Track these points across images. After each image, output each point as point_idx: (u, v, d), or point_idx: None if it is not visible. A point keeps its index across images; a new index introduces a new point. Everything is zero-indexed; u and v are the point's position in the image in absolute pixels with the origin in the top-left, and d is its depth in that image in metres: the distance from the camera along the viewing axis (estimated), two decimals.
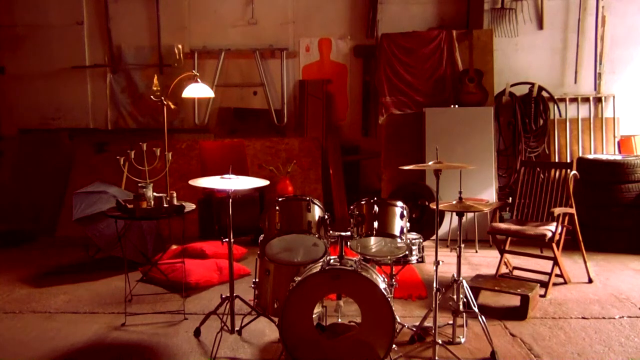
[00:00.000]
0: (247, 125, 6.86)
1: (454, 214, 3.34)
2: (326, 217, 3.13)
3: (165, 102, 4.18)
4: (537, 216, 4.67)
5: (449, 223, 5.60)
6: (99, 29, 6.85)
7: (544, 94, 6.40)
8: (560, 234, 4.35)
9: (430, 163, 3.26)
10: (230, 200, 3.28)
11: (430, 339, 3.26)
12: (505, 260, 4.63)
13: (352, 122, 6.95)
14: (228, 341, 3.39)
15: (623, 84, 6.52)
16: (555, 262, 4.33)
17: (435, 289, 3.14)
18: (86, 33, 6.86)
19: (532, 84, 6.39)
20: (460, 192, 3.32)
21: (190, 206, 3.93)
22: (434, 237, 3.26)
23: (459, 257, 3.34)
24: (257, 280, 3.36)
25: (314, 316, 3.01)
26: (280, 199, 3.15)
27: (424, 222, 5.39)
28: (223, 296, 3.43)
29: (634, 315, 3.84)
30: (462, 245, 3.35)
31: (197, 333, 3.52)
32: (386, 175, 6.33)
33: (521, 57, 6.54)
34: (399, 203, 3.17)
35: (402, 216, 3.13)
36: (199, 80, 4.31)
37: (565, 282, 4.50)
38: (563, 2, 6.49)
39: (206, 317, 3.56)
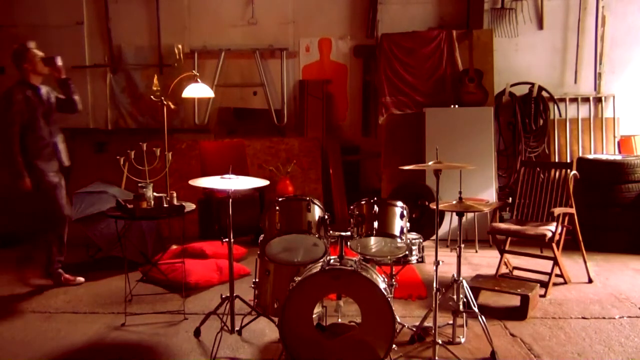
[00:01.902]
0: (247, 125, 6.86)
1: (454, 214, 3.34)
2: (326, 217, 3.13)
3: (165, 102, 4.18)
4: (537, 216, 4.67)
5: (449, 223, 5.60)
6: (99, 29, 6.85)
7: (544, 94, 6.40)
8: (560, 234, 4.35)
9: (430, 163, 3.26)
10: (230, 200, 3.28)
11: (430, 339, 3.26)
12: (505, 260, 4.64)
13: (352, 122, 6.94)
14: (228, 341, 3.39)
15: (623, 84, 6.52)
16: (555, 262, 4.33)
17: (435, 289, 3.14)
18: (86, 33, 6.85)
19: (532, 84, 6.39)
20: (460, 192, 3.32)
21: (190, 206, 3.93)
22: (434, 237, 3.26)
23: (459, 257, 3.34)
24: (257, 280, 3.36)
25: (314, 316, 3.01)
26: (280, 199, 3.15)
27: (424, 222, 5.40)
28: (223, 296, 3.43)
29: (634, 315, 3.84)
30: (462, 245, 3.35)
31: (197, 333, 3.52)
32: (386, 175, 6.33)
33: (521, 57, 6.54)
34: (399, 203, 3.17)
35: (402, 216, 3.13)
36: (199, 80, 4.31)
37: (565, 282, 4.50)
38: (563, 2, 6.48)
39: (206, 317, 3.56)
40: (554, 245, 4.26)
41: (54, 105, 4.50)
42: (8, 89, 4.33)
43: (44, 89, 4.50)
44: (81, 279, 4.56)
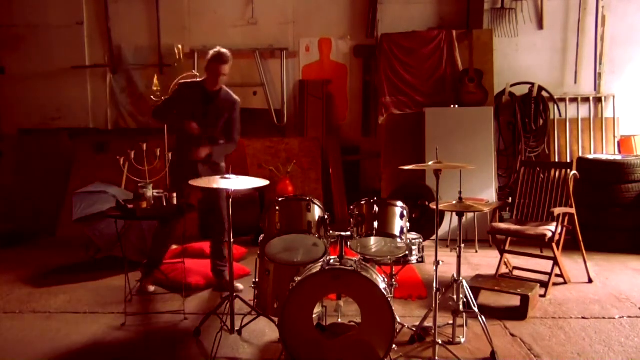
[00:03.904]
0: (247, 125, 6.83)
1: (454, 214, 3.34)
2: (326, 217, 3.13)
3: None
4: (537, 216, 4.67)
5: (449, 223, 5.60)
6: (99, 29, 6.84)
7: (544, 94, 6.40)
8: (560, 234, 4.35)
9: (430, 163, 3.26)
10: (230, 200, 3.28)
11: (430, 339, 3.26)
12: (505, 260, 4.63)
13: (352, 122, 6.94)
14: (228, 341, 3.39)
15: (623, 84, 6.52)
16: (555, 262, 4.33)
17: (435, 289, 3.14)
18: (86, 33, 6.85)
19: (532, 84, 6.39)
20: (460, 192, 3.32)
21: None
22: (434, 237, 3.26)
23: (459, 257, 3.34)
24: (257, 280, 3.36)
25: (314, 316, 3.01)
26: (280, 199, 3.15)
27: (424, 222, 5.39)
28: (223, 296, 3.43)
29: (634, 315, 3.84)
30: (462, 245, 3.35)
31: (197, 333, 3.52)
32: (386, 175, 6.33)
33: (521, 57, 6.53)
34: (399, 203, 3.17)
35: (402, 216, 3.13)
36: None
37: (565, 282, 4.50)
38: (563, 2, 6.48)
39: (206, 317, 3.56)
40: (554, 245, 4.26)
41: (222, 120, 4.26)
42: (183, 82, 4.26)
43: (225, 101, 4.26)
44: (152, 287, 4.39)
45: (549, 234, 4.24)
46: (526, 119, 6.34)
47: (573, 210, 4.48)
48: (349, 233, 3.14)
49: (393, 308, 2.85)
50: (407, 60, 6.37)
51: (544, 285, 4.28)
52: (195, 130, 4.10)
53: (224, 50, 4.16)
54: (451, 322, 3.41)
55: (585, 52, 6.50)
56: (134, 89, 6.89)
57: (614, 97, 6.50)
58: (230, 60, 4.16)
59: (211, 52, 4.18)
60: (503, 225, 4.57)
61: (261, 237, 3.18)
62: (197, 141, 4.13)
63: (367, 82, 6.86)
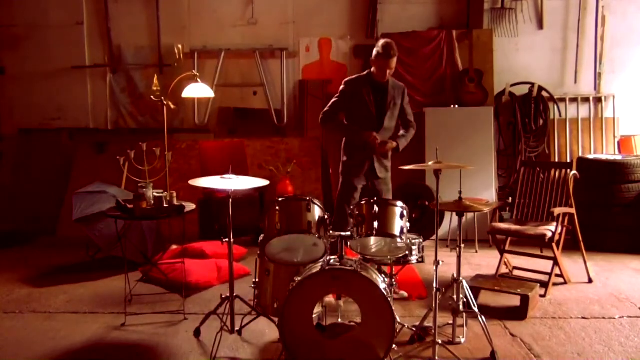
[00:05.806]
0: (247, 125, 6.86)
1: (454, 214, 3.34)
2: (326, 217, 3.13)
3: (165, 102, 4.18)
4: (537, 216, 4.67)
5: (449, 223, 5.60)
6: (99, 29, 6.85)
7: (544, 94, 6.40)
8: (560, 234, 4.35)
9: (430, 163, 3.26)
10: (230, 200, 3.28)
11: (430, 339, 3.26)
12: (505, 260, 4.63)
13: None
14: (228, 341, 3.39)
15: (623, 84, 6.52)
16: (555, 262, 4.33)
17: (435, 289, 3.14)
18: (86, 33, 6.85)
19: (532, 84, 6.39)
20: (460, 192, 3.32)
21: (190, 206, 3.93)
22: (434, 237, 3.26)
23: (459, 257, 3.34)
24: (257, 280, 3.36)
25: (314, 316, 3.01)
26: (280, 199, 3.15)
27: (424, 222, 5.39)
28: (223, 296, 3.43)
29: (634, 315, 3.84)
30: (462, 245, 3.35)
31: (197, 333, 3.52)
32: None
33: (521, 57, 6.54)
34: (399, 203, 3.17)
35: (402, 216, 3.13)
36: (199, 80, 4.32)
37: (565, 282, 4.50)
38: (563, 2, 6.49)
39: (206, 317, 3.56)
40: (554, 245, 4.26)
41: (397, 110, 4.28)
42: (350, 79, 4.25)
43: (395, 89, 4.30)
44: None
45: (549, 234, 4.24)
46: (526, 119, 6.34)
47: (573, 210, 4.48)
48: (349, 233, 3.15)
49: (393, 308, 2.85)
50: (407, 60, 6.37)
51: (544, 285, 4.28)
52: (374, 140, 4.06)
53: (389, 43, 4.11)
54: (451, 322, 3.41)
55: (585, 52, 6.50)
56: (134, 89, 6.89)
57: (614, 97, 6.50)
58: (396, 53, 4.11)
59: (377, 46, 4.13)
60: (503, 225, 4.57)
61: (261, 237, 3.18)
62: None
63: None
